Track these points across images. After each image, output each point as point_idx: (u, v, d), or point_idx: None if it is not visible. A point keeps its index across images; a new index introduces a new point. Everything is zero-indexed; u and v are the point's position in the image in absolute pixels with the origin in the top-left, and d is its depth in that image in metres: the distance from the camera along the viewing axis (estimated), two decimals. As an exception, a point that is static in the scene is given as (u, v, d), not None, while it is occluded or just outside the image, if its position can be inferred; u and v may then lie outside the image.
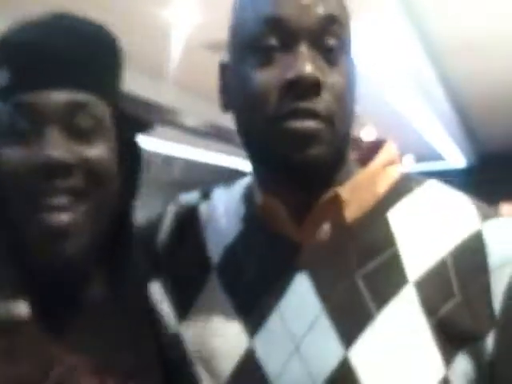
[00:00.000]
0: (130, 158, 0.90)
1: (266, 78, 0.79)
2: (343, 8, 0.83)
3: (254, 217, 0.92)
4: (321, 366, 0.78)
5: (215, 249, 0.93)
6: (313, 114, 0.77)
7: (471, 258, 0.79)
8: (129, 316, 0.91)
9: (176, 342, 0.91)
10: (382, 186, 0.86)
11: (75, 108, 0.79)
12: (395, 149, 0.91)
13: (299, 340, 0.80)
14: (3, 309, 0.70)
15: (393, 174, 0.88)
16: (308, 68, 0.76)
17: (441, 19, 4.16)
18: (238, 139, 0.87)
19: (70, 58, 0.80)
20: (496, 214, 0.83)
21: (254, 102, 0.80)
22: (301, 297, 0.82)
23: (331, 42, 0.79)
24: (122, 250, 0.92)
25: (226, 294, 0.88)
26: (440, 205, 0.85)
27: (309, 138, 0.77)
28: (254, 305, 0.85)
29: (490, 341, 0.76)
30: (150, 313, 0.95)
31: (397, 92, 4.87)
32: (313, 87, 0.77)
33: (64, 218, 0.77)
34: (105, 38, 0.87)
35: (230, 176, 1.11)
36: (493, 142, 8.44)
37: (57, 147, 0.76)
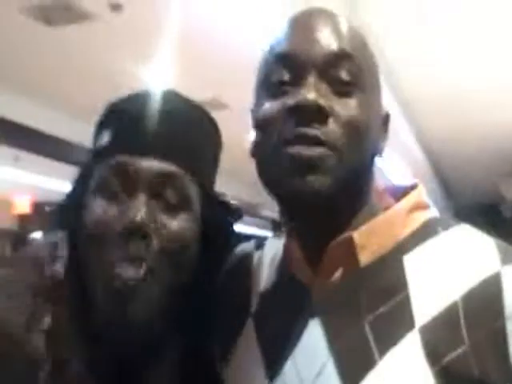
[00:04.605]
0: (216, 238, 0.91)
1: (273, 106, 0.80)
2: (360, 48, 0.84)
3: (284, 265, 0.93)
4: None
5: (255, 296, 0.94)
6: (316, 141, 0.76)
7: (485, 302, 0.74)
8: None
9: None
10: (404, 231, 0.84)
11: (164, 178, 0.82)
12: (424, 194, 0.90)
13: None
14: None
15: (418, 219, 0.86)
16: (309, 95, 0.76)
17: (415, 77, 4.26)
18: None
19: (168, 132, 0.85)
20: None
21: (262, 130, 0.82)
22: (312, 344, 0.81)
23: (343, 75, 0.79)
24: (197, 319, 0.93)
25: (257, 342, 0.89)
26: (461, 247, 0.81)
27: (311, 164, 0.76)
28: (275, 351, 0.85)
29: None
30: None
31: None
32: (316, 114, 0.77)
33: (135, 274, 0.79)
34: (207, 122, 0.92)
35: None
36: (466, 196, 8.56)
37: (141, 213, 0.79)
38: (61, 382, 0.79)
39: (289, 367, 0.82)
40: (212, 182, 0.94)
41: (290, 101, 0.78)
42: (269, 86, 0.82)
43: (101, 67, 3.67)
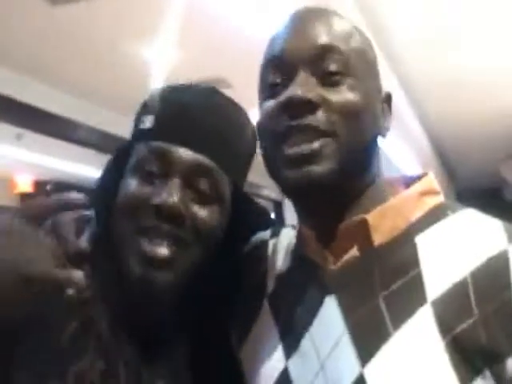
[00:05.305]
0: (240, 233, 1.00)
1: (269, 106, 0.86)
2: (346, 38, 0.87)
3: (298, 247, 0.99)
4: (340, 383, 0.81)
5: (270, 280, 1.00)
6: (311, 129, 0.81)
7: (493, 276, 0.79)
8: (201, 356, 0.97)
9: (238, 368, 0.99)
10: (415, 214, 0.89)
11: (199, 169, 0.88)
12: (434, 181, 0.94)
13: (324, 359, 0.84)
14: None
15: (429, 203, 0.90)
16: (297, 90, 0.82)
17: (418, 61, 4.24)
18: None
19: (209, 126, 0.90)
20: None
21: (261, 128, 0.90)
22: (328, 319, 0.86)
23: (330, 67, 0.84)
24: (214, 303, 0.98)
25: (274, 322, 0.95)
26: (469, 228, 0.86)
27: (304, 159, 0.81)
28: (292, 329, 0.90)
29: (511, 363, 0.75)
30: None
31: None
32: (305, 106, 0.81)
33: (163, 251, 0.85)
34: (245, 123, 0.97)
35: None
36: (469, 179, 8.55)
37: (175, 196, 0.84)
38: (85, 340, 0.85)
39: (306, 342, 0.87)
40: (244, 182, 0.99)
41: (281, 98, 0.83)
42: (265, 87, 0.89)
43: (104, 46, 3.64)
